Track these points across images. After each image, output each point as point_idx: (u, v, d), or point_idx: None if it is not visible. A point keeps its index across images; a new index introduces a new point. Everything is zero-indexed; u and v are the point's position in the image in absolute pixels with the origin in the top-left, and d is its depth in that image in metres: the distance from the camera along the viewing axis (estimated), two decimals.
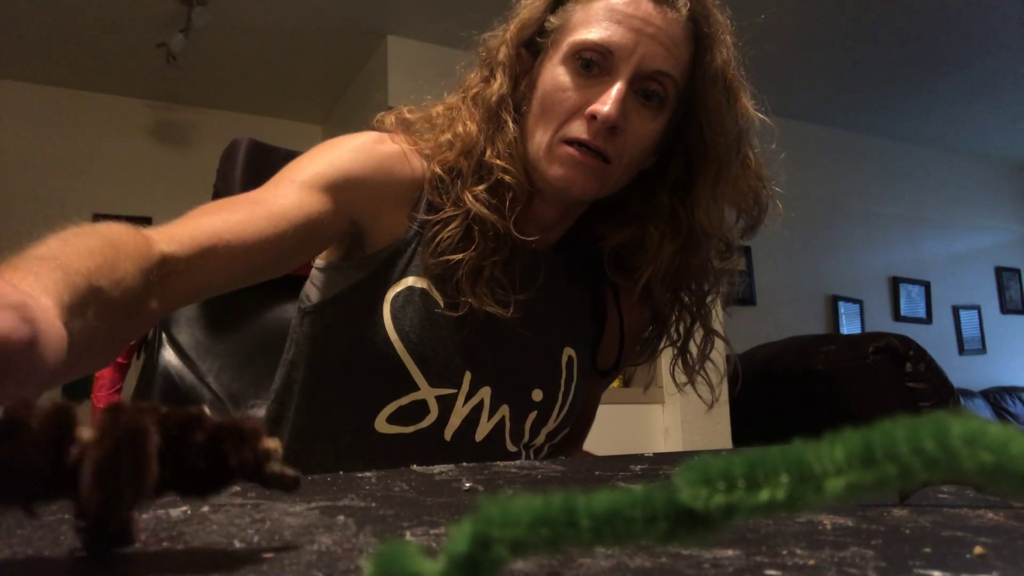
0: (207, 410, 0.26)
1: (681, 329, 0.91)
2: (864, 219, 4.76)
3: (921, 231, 5.03)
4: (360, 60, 3.65)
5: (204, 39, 3.28)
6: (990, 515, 0.35)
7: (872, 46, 3.71)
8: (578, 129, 0.73)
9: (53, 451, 0.23)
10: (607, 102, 0.71)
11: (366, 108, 3.90)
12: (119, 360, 0.99)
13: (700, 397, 0.88)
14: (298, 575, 0.25)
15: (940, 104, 4.41)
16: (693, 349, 0.90)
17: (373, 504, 0.39)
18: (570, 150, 0.74)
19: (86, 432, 0.24)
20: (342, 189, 0.72)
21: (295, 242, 0.67)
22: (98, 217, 3.83)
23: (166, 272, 0.55)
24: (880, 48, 3.73)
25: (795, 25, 3.44)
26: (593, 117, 0.72)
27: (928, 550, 0.28)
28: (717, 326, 0.91)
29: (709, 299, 0.89)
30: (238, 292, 1.04)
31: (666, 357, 0.95)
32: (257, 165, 0.97)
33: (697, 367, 0.89)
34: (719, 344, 0.91)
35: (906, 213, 4.97)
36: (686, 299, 0.89)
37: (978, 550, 0.27)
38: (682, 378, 0.90)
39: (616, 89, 0.72)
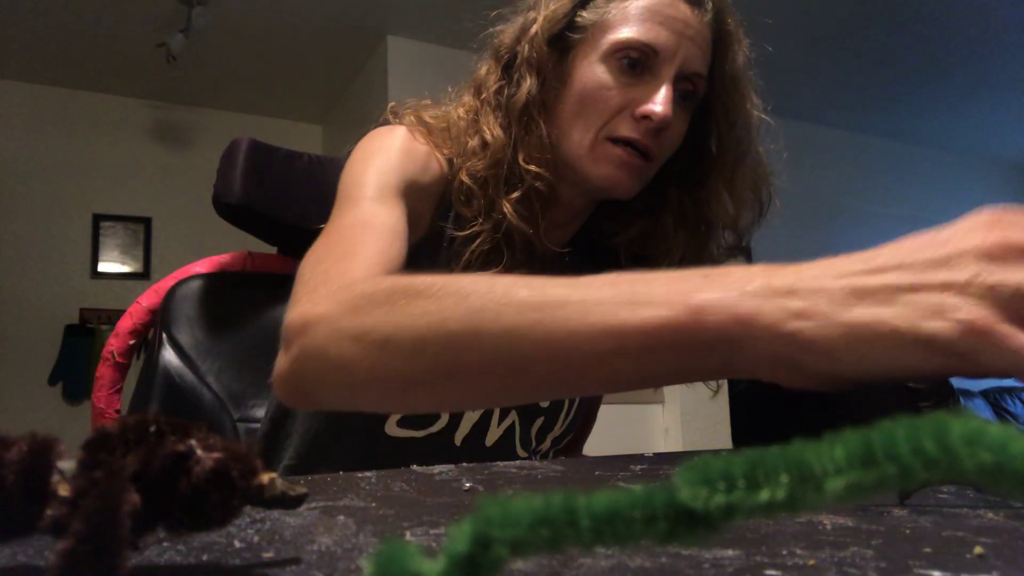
0: (196, 448, 0.23)
1: None
2: (864, 219, 4.76)
3: (921, 231, 5.02)
4: (360, 60, 3.65)
5: (204, 39, 3.28)
6: (990, 515, 0.35)
7: (872, 46, 3.71)
8: (626, 128, 0.73)
9: (25, 501, 0.22)
10: (660, 103, 0.72)
11: (366, 108, 3.90)
12: (119, 360, 0.99)
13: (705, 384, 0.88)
14: (298, 575, 0.25)
15: (940, 104, 4.41)
16: None
17: (373, 504, 0.39)
18: (618, 151, 0.74)
19: (63, 485, 0.22)
20: (404, 193, 0.70)
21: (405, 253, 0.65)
22: (98, 217, 3.85)
23: None
24: (880, 48, 3.73)
25: (795, 25, 3.44)
26: (645, 117, 0.72)
27: (928, 550, 0.28)
28: None
29: None
30: (238, 292, 1.04)
31: None
32: (257, 165, 0.97)
33: None
34: None
35: (906, 213, 4.97)
36: None
37: (978, 550, 0.27)
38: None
39: (666, 89, 0.72)
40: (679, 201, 0.82)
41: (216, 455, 0.23)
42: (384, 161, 0.72)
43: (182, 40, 3.15)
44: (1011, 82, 4.11)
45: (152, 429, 0.23)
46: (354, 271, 0.55)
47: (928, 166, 5.10)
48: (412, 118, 0.79)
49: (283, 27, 3.36)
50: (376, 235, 0.61)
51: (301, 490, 0.25)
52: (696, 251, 0.84)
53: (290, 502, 0.25)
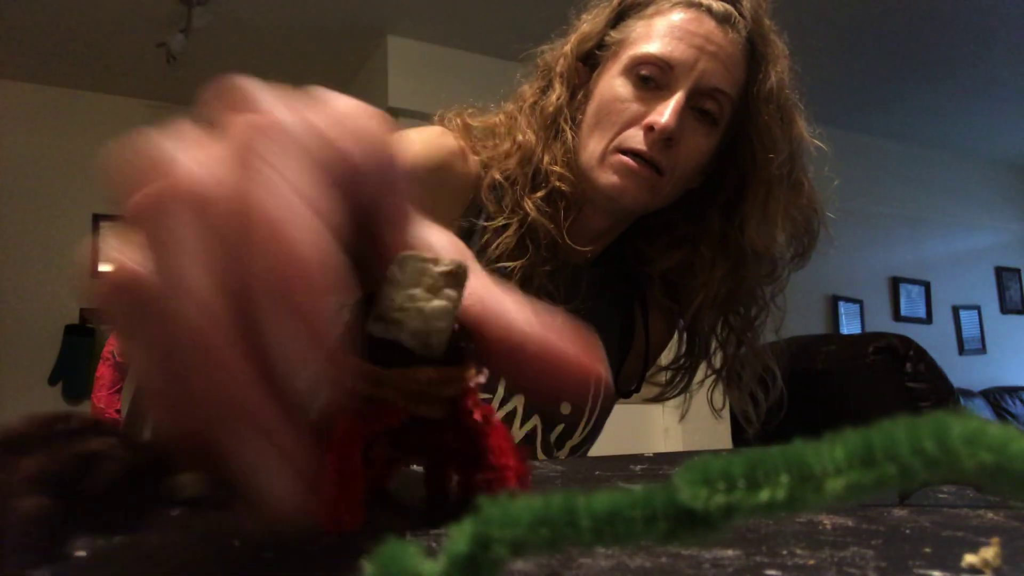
0: (105, 448, 0.22)
1: (727, 353, 0.89)
2: (864, 219, 4.76)
3: (921, 231, 5.03)
4: (360, 60, 3.65)
5: (204, 39, 3.28)
6: (990, 515, 0.35)
7: (873, 46, 3.71)
8: (634, 139, 0.74)
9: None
10: (664, 113, 0.72)
11: None
12: (119, 360, 0.99)
13: (743, 422, 0.88)
14: (298, 575, 0.25)
15: (940, 104, 4.41)
16: (739, 373, 0.89)
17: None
18: (624, 159, 0.74)
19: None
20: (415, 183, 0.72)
21: None
22: (98, 217, 3.85)
23: None
24: (881, 48, 3.73)
25: (795, 26, 3.44)
26: (650, 128, 0.73)
27: (928, 550, 0.28)
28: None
29: (757, 323, 0.88)
30: None
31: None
32: None
33: (745, 391, 0.88)
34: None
35: (906, 213, 4.97)
36: (733, 322, 0.88)
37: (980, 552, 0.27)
38: (719, 403, 0.90)
39: (675, 100, 0.72)
40: (722, 231, 0.82)
41: (127, 454, 0.23)
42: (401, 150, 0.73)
43: (182, 40, 3.15)
44: (1012, 83, 4.12)
45: (59, 428, 0.23)
46: None
47: (928, 166, 5.10)
48: (457, 121, 0.83)
49: (283, 27, 3.36)
50: None
51: (222, 490, 0.24)
52: (733, 288, 0.83)
53: (209, 503, 0.24)
